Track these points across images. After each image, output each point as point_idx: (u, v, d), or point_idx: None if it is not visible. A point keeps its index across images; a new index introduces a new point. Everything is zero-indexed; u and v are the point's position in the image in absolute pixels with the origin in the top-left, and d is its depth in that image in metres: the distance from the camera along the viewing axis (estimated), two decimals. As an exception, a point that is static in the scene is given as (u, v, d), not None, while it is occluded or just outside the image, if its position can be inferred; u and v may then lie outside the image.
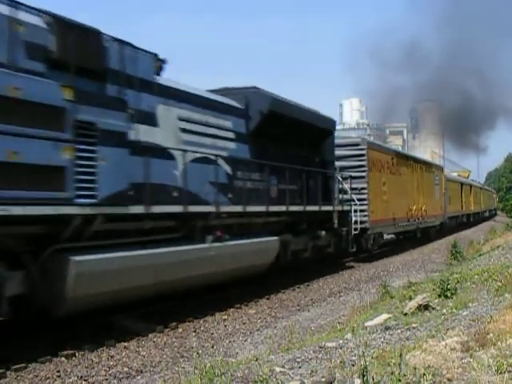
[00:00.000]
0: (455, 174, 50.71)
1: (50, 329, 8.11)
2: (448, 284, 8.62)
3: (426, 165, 29.10)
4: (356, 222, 17.35)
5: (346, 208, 16.87)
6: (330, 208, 15.54)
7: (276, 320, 10.10)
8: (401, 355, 4.37)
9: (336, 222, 15.83)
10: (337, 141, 17.25)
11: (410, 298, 8.75)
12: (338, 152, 17.44)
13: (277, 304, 11.55)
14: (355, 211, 17.37)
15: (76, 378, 6.69)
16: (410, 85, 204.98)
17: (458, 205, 40.12)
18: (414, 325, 6.63)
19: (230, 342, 8.55)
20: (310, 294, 12.71)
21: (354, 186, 17.56)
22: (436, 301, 8.32)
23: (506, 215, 64.46)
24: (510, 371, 4.14)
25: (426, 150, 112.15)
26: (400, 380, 3.95)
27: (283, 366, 5.16)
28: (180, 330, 9.13)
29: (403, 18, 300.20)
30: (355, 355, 5.16)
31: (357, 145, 19.37)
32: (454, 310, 7.24)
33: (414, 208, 24.45)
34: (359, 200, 17.87)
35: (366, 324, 7.54)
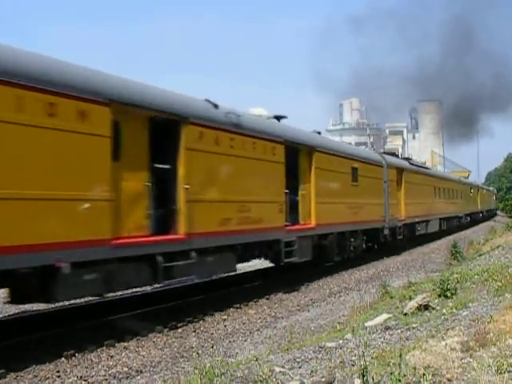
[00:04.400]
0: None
1: (50, 329, 8.10)
2: (448, 284, 8.62)
3: None
4: None
5: None
6: None
7: (276, 320, 10.10)
8: (401, 355, 4.36)
9: None
10: None
11: (410, 298, 8.75)
12: None
13: (277, 304, 11.54)
14: None
15: (76, 378, 6.69)
16: (400, 68, 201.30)
17: None
18: (413, 325, 6.64)
19: (229, 342, 8.55)
20: (310, 294, 12.70)
21: None
22: (436, 301, 8.32)
23: (506, 215, 64.50)
24: (509, 371, 4.14)
25: (425, 149, 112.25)
26: (400, 380, 3.95)
27: (283, 366, 5.17)
28: (180, 330, 9.13)
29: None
30: (355, 355, 5.17)
31: None
32: (454, 310, 7.24)
33: None
34: None
35: (366, 324, 7.54)
